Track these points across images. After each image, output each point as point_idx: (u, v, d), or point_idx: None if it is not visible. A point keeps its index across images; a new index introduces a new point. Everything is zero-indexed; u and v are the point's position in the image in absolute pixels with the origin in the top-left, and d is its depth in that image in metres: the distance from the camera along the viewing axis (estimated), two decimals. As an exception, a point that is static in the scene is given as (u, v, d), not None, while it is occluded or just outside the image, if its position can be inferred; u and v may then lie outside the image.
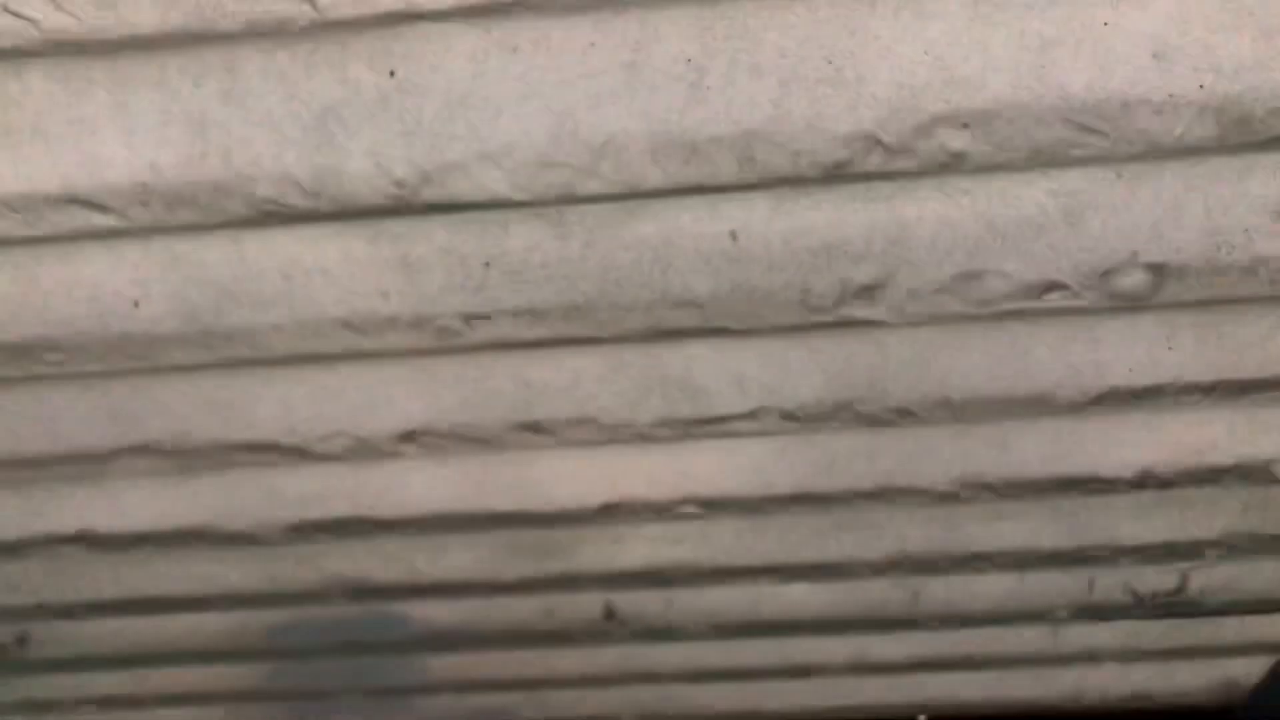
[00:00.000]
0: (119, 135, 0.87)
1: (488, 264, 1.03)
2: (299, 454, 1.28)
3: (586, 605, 1.70)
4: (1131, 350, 1.16)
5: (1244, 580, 1.65)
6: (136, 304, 1.04)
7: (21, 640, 1.78)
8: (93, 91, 0.84)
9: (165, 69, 0.84)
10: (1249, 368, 1.17)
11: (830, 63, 0.85)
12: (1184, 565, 1.61)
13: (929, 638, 1.76)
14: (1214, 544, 1.53)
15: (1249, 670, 1.95)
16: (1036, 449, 1.32)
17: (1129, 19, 0.85)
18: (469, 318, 1.07)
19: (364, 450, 1.27)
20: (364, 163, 0.90)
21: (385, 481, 1.36)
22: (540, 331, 1.09)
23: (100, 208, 0.93)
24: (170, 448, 1.25)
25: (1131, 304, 1.08)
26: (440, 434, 1.24)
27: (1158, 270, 1.04)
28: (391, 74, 0.85)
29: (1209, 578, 1.64)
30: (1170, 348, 1.16)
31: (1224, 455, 1.32)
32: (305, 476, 1.37)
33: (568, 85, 0.86)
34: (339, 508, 1.40)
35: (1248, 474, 1.35)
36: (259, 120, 0.87)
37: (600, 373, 1.19)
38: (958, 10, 0.85)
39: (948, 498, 1.40)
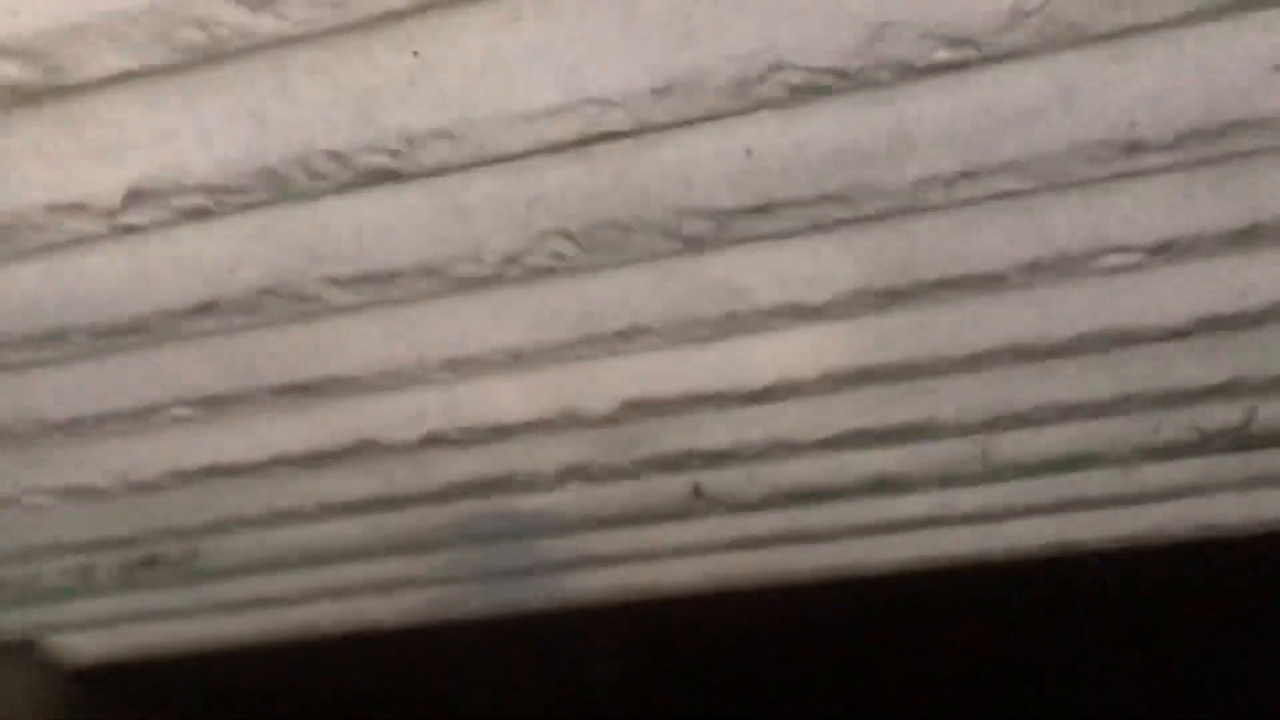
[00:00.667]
0: (194, 137, 1.00)
1: (530, 204, 1.14)
2: (396, 381, 1.44)
3: (676, 486, 1.85)
4: (1150, 210, 1.20)
5: (1310, 408, 1.68)
6: (232, 271, 1.19)
7: (193, 554, 2.05)
8: (167, 104, 0.98)
9: (224, 77, 0.96)
10: (1270, 214, 1.20)
11: (808, -8, 0.92)
12: (1247, 401, 1.65)
13: (1002, 488, 1.85)
14: (1273, 379, 1.57)
15: (1332, 493, 1.98)
16: (1076, 307, 1.38)
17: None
18: (521, 252, 1.19)
19: (451, 373, 1.42)
20: (404, 134, 1.01)
21: (475, 397, 1.52)
22: (587, 258, 1.20)
23: (189, 197, 1.07)
24: (282, 386, 1.42)
25: (1141, 170, 1.12)
26: (513, 352, 1.37)
27: (1160, 137, 1.08)
28: (415, 54, 0.96)
29: (1275, 410, 1.67)
30: (1190, 204, 1.20)
31: (1264, 297, 1.36)
32: (406, 400, 1.53)
33: (570, 44, 0.95)
34: (439, 422, 1.56)
35: (1293, 311, 1.38)
36: (309, 110, 0.99)
37: (649, 285, 1.30)
38: (925, -75, 0.90)
39: (998, 361, 1.48)
